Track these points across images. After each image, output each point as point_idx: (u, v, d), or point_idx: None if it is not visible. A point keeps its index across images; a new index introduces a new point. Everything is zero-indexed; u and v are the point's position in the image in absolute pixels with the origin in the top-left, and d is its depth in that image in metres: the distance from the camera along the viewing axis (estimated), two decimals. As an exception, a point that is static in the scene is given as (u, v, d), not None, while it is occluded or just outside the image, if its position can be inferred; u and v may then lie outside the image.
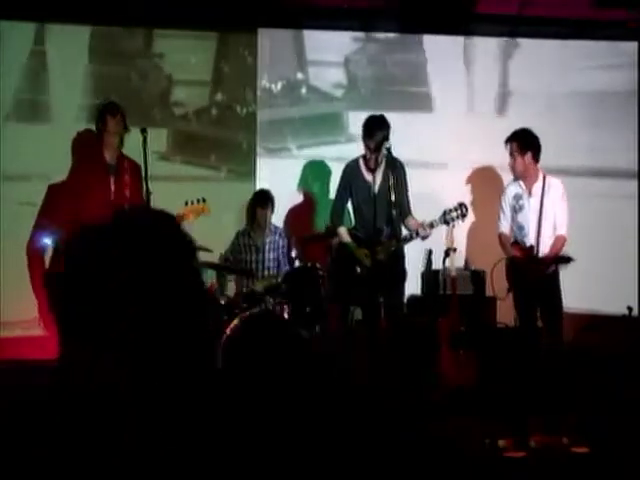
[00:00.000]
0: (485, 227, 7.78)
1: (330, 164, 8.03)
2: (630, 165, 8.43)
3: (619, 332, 7.35)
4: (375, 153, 6.56)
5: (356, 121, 7.95)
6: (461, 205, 6.59)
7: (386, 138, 6.53)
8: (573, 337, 7.49)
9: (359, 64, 8.32)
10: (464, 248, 8.09)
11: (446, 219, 6.54)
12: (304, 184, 8.18)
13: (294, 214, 8.11)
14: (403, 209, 6.70)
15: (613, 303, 7.77)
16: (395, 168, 6.58)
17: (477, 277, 7.57)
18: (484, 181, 8.17)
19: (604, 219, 8.24)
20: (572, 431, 5.91)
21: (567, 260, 6.75)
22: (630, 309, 7.44)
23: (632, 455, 5.46)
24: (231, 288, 7.38)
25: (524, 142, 6.77)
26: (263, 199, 7.36)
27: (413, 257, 7.19)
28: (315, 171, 8.16)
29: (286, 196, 7.95)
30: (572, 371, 6.80)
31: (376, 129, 6.58)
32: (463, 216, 6.58)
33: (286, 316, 6.74)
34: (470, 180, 8.21)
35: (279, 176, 8.04)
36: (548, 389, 6.32)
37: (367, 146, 6.60)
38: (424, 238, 6.62)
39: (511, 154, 6.82)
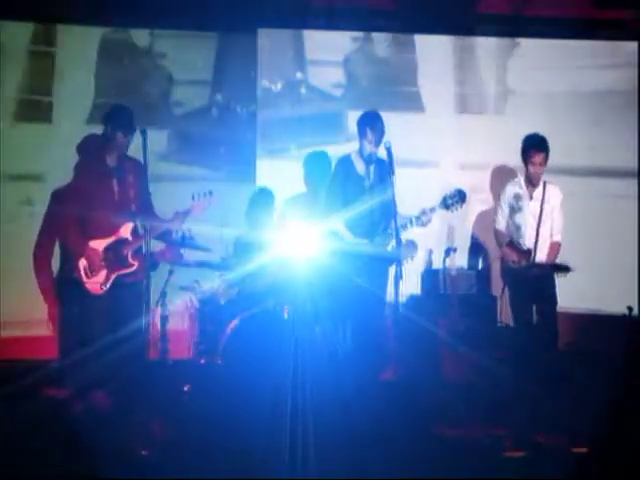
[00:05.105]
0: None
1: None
2: (630, 165, 8.42)
3: (619, 332, 7.35)
4: (377, 146, 6.60)
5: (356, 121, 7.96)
6: (460, 191, 6.61)
7: (384, 132, 6.62)
8: (573, 337, 7.50)
9: (359, 64, 8.31)
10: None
11: (446, 204, 6.58)
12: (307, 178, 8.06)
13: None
14: (394, 204, 6.71)
15: (613, 303, 7.77)
16: (384, 164, 6.58)
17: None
18: (483, 181, 8.17)
19: (604, 219, 8.24)
20: (572, 431, 5.91)
21: (566, 269, 6.80)
22: (630, 309, 7.43)
23: (632, 455, 5.46)
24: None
25: (548, 153, 6.83)
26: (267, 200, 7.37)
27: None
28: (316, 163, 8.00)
29: (286, 196, 7.94)
30: (572, 371, 6.80)
31: (377, 122, 6.66)
32: (462, 201, 6.60)
33: (286, 316, 6.74)
34: (470, 180, 8.19)
35: (279, 176, 8.02)
36: (548, 389, 6.33)
37: (368, 140, 6.63)
38: (425, 224, 6.61)
39: (539, 163, 6.85)
